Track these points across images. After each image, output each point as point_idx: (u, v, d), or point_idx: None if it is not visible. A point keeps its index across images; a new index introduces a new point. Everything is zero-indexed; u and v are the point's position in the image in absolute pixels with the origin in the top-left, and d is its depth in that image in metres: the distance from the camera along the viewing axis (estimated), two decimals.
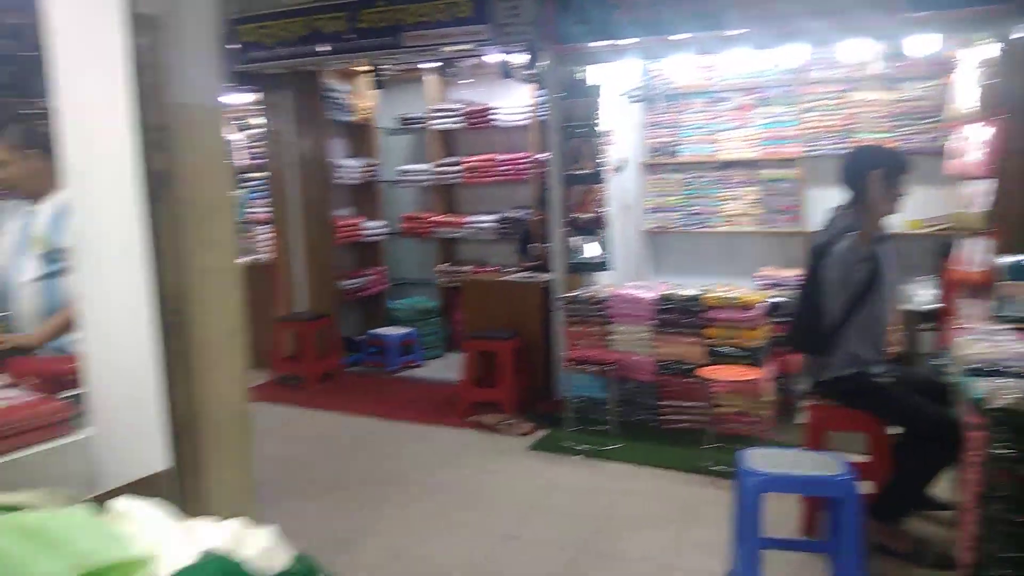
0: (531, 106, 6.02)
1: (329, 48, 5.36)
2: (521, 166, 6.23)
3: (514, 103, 6.24)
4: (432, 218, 6.69)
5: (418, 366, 6.27)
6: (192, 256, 2.08)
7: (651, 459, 4.09)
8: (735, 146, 5.98)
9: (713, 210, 6.14)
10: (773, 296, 4.65)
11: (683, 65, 5.84)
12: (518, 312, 5.18)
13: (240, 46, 5.56)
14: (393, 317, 6.54)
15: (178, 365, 2.03)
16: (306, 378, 5.87)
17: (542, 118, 5.53)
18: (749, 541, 2.52)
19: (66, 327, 2.35)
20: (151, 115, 1.91)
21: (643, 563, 3.05)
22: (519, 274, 5.51)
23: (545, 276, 5.21)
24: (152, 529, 0.84)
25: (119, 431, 1.99)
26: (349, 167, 6.61)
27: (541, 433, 4.60)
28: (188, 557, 0.77)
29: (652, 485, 3.81)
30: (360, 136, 6.86)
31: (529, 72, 5.37)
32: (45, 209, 2.54)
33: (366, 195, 6.91)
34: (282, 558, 0.87)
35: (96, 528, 0.79)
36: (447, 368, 6.06)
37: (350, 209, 6.83)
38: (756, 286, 5.27)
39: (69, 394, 2.02)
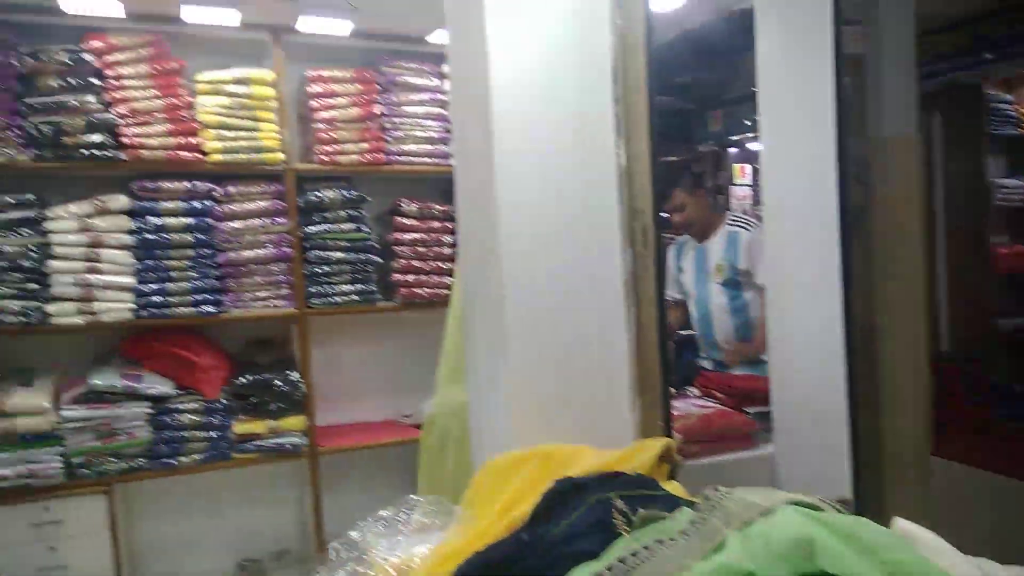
0: None
1: (994, 56, 4.74)
2: None
3: None
4: None
5: None
6: (880, 288, 2.07)
7: None
8: None
9: None
10: None
11: None
12: None
13: None
14: None
15: (865, 395, 2.04)
16: (948, 426, 5.25)
17: None
18: None
19: (756, 351, 2.62)
20: (851, 150, 1.98)
21: None
22: None
23: None
24: (941, 555, 0.83)
25: (801, 452, 2.10)
26: (1011, 188, 5.69)
27: None
28: None
29: None
30: None
31: None
32: (716, 241, 2.91)
33: None
34: None
35: (898, 541, 0.82)
36: None
37: (1007, 236, 5.87)
38: None
39: (755, 410, 2.23)
